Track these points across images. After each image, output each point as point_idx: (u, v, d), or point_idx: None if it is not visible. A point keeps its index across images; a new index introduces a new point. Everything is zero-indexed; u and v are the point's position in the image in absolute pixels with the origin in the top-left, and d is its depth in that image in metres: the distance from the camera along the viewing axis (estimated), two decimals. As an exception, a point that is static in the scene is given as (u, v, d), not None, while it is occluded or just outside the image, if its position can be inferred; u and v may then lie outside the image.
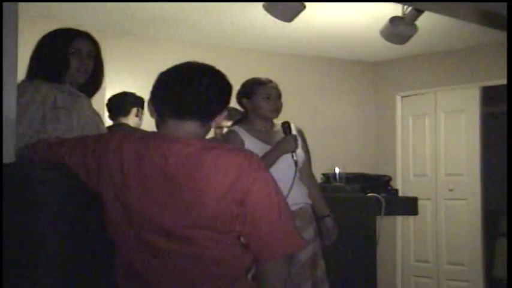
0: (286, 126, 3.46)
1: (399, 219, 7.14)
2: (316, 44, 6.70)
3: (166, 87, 2.05)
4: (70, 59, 2.83)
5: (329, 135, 7.18)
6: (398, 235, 7.28)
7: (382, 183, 4.89)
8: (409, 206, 4.98)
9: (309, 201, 3.56)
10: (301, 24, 5.47)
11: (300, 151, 3.50)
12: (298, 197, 3.42)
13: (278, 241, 2.05)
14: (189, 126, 2.04)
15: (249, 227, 2.02)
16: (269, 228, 2.03)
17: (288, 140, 3.39)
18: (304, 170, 3.59)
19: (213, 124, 2.10)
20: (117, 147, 2.02)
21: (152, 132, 2.12)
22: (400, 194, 6.50)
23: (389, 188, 4.92)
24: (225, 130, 4.18)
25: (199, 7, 5.42)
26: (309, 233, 3.43)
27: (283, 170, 3.30)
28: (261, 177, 2.04)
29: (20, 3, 2.52)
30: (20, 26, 2.49)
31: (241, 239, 2.07)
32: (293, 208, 3.34)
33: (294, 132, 3.50)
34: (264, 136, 3.48)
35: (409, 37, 5.08)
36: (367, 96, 7.60)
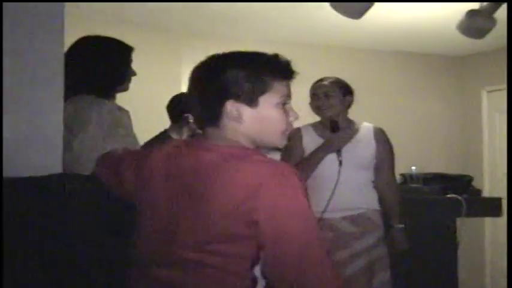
0: (334, 123, 3.30)
1: (488, 220, 6.86)
2: (396, 39, 6.55)
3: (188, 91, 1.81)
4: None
5: (412, 133, 6.98)
6: (487, 237, 7.00)
7: (463, 183, 4.73)
8: (492, 207, 4.76)
9: (375, 207, 3.39)
10: (378, 19, 5.40)
11: (372, 152, 3.38)
12: (355, 202, 3.30)
13: (306, 277, 1.60)
14: (210, 131, 1.77)
15: (269, 255, 1.63)
16: (294, 259, 1.60)
17: (334, 138, 3.24)
18: (381, 175, 3.42)
19: (238, 121, 1.72)
20: (149, 160, 1.83)
21: (191, 140, 1.95)
22: (488, 193, 6.25)
23: (470, 188, 4.75)
24: None
25: (273, 5, 5.39)
26: (365, 240, 3.28)
27: (329, 170, 3.23)
28: (289, 194, 1.63)
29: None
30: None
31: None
32: (348, 213, 3.27)
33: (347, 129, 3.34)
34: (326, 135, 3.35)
35: (488, 30, 4.85)
36: (451, 91, 7.35)
